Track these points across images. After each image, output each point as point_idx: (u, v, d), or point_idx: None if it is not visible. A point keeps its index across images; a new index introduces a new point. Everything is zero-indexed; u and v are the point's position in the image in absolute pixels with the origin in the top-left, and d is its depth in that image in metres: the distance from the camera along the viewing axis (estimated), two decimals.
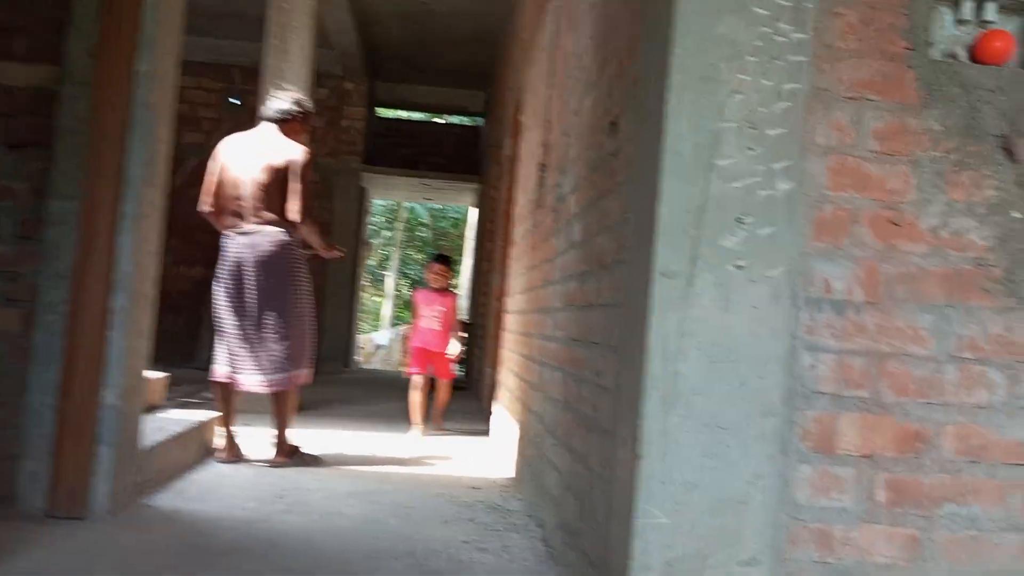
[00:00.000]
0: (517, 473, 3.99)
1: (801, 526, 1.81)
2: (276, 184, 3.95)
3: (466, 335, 10.79)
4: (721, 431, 1.79)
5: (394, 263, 22.88)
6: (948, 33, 1.88)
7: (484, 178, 10.11)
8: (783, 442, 1.80)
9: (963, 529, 1.79)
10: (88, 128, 2.99)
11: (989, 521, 1.80)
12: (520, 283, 4.76)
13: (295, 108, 4.13)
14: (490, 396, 6.02)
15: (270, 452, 4.12)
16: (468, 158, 11.46)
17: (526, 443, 3.80)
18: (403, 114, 13.94)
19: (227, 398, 4.08)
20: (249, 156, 4.00)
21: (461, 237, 21.57)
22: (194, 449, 3.98)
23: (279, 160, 3.95)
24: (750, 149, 1.80)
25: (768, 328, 1.80)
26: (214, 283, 4.08)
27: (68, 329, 2.93)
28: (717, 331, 1.80)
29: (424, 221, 21.74)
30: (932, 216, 1.82)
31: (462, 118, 13.22)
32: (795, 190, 1.80)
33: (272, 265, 3.94)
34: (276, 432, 4.09)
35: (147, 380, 3.50)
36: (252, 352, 3.96)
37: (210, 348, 9.88)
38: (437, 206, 20.61)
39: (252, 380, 3.98)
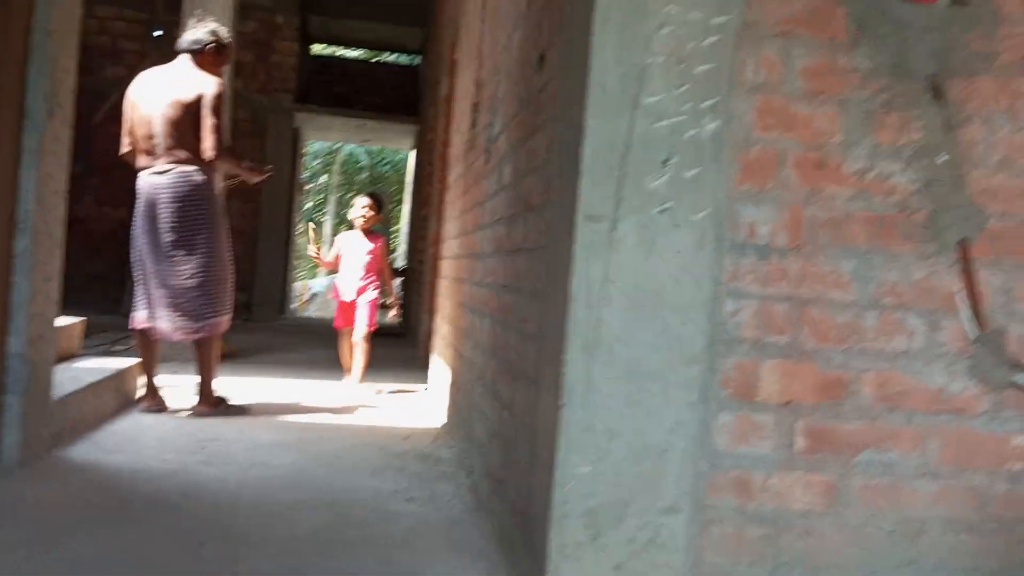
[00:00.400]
0: (449, 421, 3.95)
1: (720, 473, 1.79)
2: (187, 120, 3.76)
3: (402, 280, 10.66)
4: (643, 379, 1.75)
5: (331, 208, 22.45)
6: None
7: (422, 119, 9.88)
8: (704, 389, 1.77)
9: (880, 476, 1.80)
10: None
11: (906, 468, 1.80)
12: (454, 228, 4.66)
13: (209, 39, 3.93)
14: (427, 344, 5.96)
15: (194, 401, 4.00)
16: (406, 98, 11.17)
17: (457, 391, 3.75)
18: (339, 51, 13.49)
19: (148, 345, 3.94)
20: (159, 92, 3.81)
21: (401, 181, 21.23)
22: (112, 398, 3.83)
23: (189, 95, 3.76)
24: (678, 86, 1.73)
25: (692, 274, 1.75)
26: (132, 226, 3.91)
27: None
28: (641, 276, 1.75)
29: (362, 164, 21.30)
30: (858, 159, 1.77)
31: (400, 56, 12.86)
32: (721, 130, 1.74)
33: (186, 206, 3.78)
34: (199, 381, 3.97)
35: (58, 327, 3.34)
36: (171, 297, 3.81)
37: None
38: (375, 148, 20.19)
39: (172, 327, 3.84)
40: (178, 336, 3.88)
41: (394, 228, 21.16)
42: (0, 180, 2.78)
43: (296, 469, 3.06)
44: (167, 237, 3.78)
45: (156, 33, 9.55)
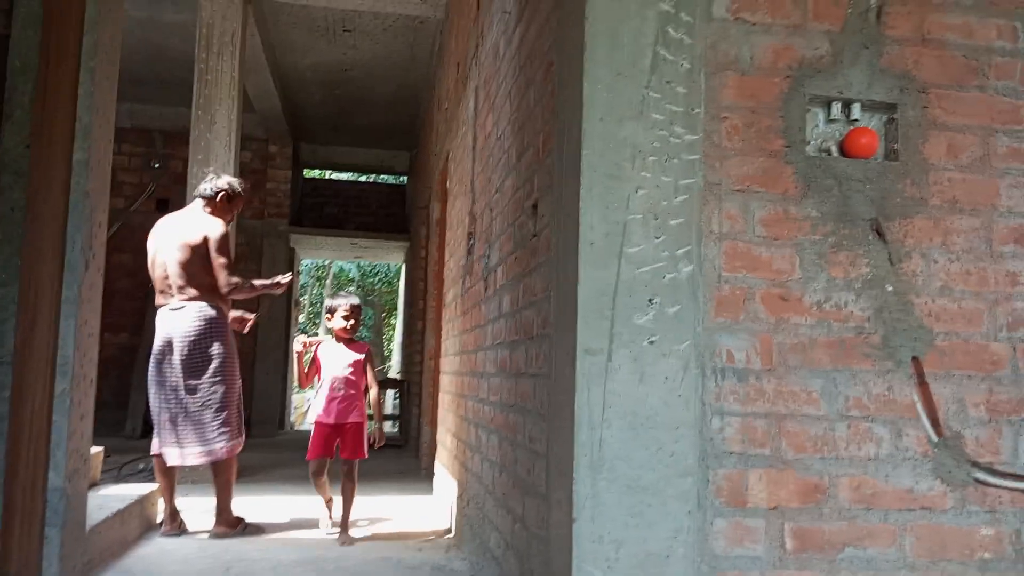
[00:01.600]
0: (458, 532, 4.11)
1: (720, 575, 1.99)
2: (196, 260, 4.10)
3: (396, 391, 10.80)
4: (643, 492, 1.98)
5: (324, 320, 22.79)
6: (820, 131, 2.15)
7: (412, 236, 10.28)
8: (699, 498, 1.99)
9: (862, 570, 2.01)
10: (26, 216, 3.05)
11: (885, 562, 2.02)
12: (454, 345, 4.92)
13: (221, 189, 4.30)
14: (429, 455, 6.12)
15: (212, 523, 4.15)
16: (395, 216, 11.63)
17: (466, 503, 3.92)
18: (329, 174, 14.04)
19: (166, 471, 4.12)
20: (171, 236, 4.19)
21: (391, 293, 21.59)
22: (135, 524, 3.98)
23: (195, 237, 4.13)
24: (655, 237, 2.02)
25: (680, 397, 2.00)
26: (150, 359, 4.16)
27: (12, 413, 2.95)
28: (635, 401, 1.99)
29: (352, 277, 21.75)
30: (816, 292, 2.06)
31: (387, 177, 13.39)
32: (696, 272, 2.02)
33: (199, 339, 4.05)
34: (217, 502, 4.13)
35: (90, 459, 3.53)
36: (188, 424, 4.03)
37: (137, 416, 9.64)
38: (367, 263, 20.65)
39: (190, 451, 4.03)
40: (196, 460, 4.07)
41: (387, 338, 21.39)
42: (43, 328, 3.04)
43: None
44: (183, 368, 4.03)
45: (155, 166, 10.02)
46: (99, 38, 3.22)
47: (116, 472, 5.72)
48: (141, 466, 6.16)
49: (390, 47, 8.02)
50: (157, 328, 4.14)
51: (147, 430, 9.15)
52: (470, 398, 4.00)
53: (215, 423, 4.04)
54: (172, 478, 4.14)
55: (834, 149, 2.14)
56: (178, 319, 4.07)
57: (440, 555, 3.84)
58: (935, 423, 2.07)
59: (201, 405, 4.03)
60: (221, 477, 4.11)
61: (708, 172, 2.05)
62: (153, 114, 10.05)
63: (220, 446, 4.05)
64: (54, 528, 2.96)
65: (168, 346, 4.07)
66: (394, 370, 16.72)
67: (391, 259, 14.12)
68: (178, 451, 4.05)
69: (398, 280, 18.76)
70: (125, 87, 9.28)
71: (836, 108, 2.14)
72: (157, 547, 3.85)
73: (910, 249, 2.10)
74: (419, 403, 7.76)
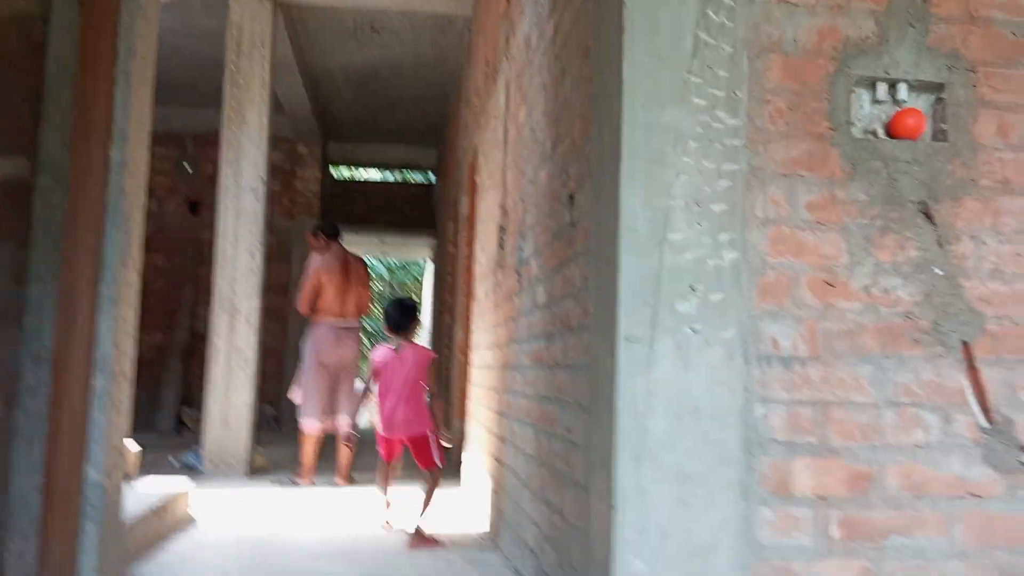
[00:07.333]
0: (493, 526, 4.09)
1: (766, 564, 1.96)
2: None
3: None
4: (689, 481, 1.95)
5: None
6: (866, 113, 2.11)
7: (439, 232, 10.28)
8: (744, 488, 1.96)
9: (911, 559, 1.97)
10: (65, 215, 3.07)
11: (934, 551, 1.98)
12: (486, 339, 4.90)
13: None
14: (459, 448, 6.11)
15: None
16: (422, 213, 11.64)
17: (501, 496, 3.91)
18: (357, 173, 14.08)
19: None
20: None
21: (418, 288, 21.65)
22: (171, 518, 4.02)
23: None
24: (697, 224, 1.99)
25: (725, 385, 1.97)
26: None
27: (51, 410, 2.98)
28: (679, 389, 1.97)
29: (381, 274, 21.87)
30: (863, 276, 2.02)
31: (415, 175, 13.44)
32: (739, 259, 1.99)
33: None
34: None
35: (127, 455, 3.57)
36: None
37: (169, 413, 9.84)
38: (394, 261, 20.79)
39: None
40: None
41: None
42: (81, 326, 3.06)
43: None
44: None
45: (186, 167, 10.10)
46: (134, 44, 3.24)
47: (151, 467, 5.78)
48: (176, 464, 6.22)
49: (419, 46, 8.01)
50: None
51: (178, 426, 9.25)
52: (504, 392, 3.99)
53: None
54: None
55: (880, 131, 2.10)
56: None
57: (474, 549, 3.83)
58: (985, 409, 2.02)
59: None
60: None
61: (752, 156, 2.02)
62: (184, 117, 10.12)
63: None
64: (92, 522, 2.98)
65: None
66: None
67: (418, 255, 14.16)
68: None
69: (423, 275, 18.81)
70: (156, 91, 9.36)
71: (882, 89, 2.09)
72: (192, 539, 3.88)
73: (960, 232, 2.05)
74: (448, 397, 7.76)
